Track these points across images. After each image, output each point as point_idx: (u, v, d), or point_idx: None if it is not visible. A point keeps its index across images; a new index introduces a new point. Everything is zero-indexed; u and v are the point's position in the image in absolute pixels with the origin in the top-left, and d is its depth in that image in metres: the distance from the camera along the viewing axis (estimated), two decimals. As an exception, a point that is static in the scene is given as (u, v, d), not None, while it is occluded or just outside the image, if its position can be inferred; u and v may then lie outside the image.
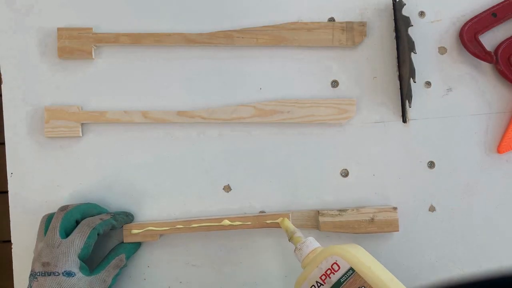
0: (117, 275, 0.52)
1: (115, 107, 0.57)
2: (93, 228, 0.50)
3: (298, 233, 0.50)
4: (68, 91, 0.57)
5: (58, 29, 0.56)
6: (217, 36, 0.56)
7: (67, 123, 0.56)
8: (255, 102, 0.56)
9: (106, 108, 0.57)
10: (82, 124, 0.56)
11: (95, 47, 0.57)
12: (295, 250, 0.49)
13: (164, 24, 0.57)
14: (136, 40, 0.56)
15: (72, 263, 0.48)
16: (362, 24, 0.56)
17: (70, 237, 0.49)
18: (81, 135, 0.56)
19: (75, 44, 0.56)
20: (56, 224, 0.50)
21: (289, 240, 0.51)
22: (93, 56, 0.57)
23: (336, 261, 0.45)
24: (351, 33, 0.56)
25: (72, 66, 0.57)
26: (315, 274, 0.45)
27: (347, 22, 0.56)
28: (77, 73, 0.57)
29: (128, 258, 0.53)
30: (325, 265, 0.45)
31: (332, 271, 0.45)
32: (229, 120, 0.56)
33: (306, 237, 0.49)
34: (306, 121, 0.56)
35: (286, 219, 0.53)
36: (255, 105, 0.56)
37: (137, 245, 0.55)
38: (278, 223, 0.54)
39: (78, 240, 0.49)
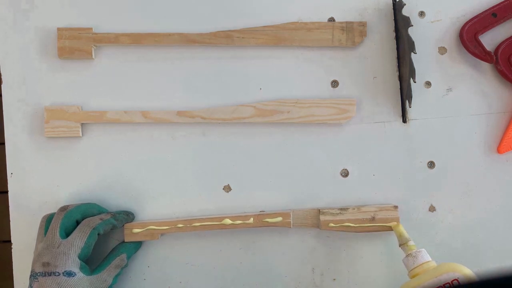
0: (118, 274, 0.52)
1: (115, 107, 0.57)
2: (93, 228, 0.50)
3: (412, 241, 0.52)
4: (68, 91, 0.57)
5: (58, 29, 0.56)
6: (217, 36, 0.56)
7: (67, 123, 0.56)
8: (255, 102, 0.56)
9: (106, 108, 0.57)
10: (82, 124, 0.56)
11: (95, 47, 0.57)
12: (407, 256, 0.51)
13: (164, 24, 0.57)
14: (136, 40, 0.56)
15: (73, 263, 0.48)
16: (362, 24, 0.56)
17: (70, 237, 0.49)
18: (81, 135, 0.56)
19: (75, 44, 0.56)
20: (56, 224, 0.50)
21: (400, 245, 0.52)
22: (93, 56, 0.57)
23: (457, 278, 0.47)
24: (351, 33, 0.56)
25: (72, 66, 0.57)
26: (432, 284, 0.47)
27: (347, 22, 0.56)
28: (77, 73, 0.57)
29: (129, 257, 0.53)
30: (445, 278, 0.47)
31: (452, 286, 0.46)
32: (229, 120, 0.56)
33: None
34: (306, 121, 0.56)
35: (400, 224, 0.54)
36: (255, 105, 0.56)
37: (138, 244, 0.55)
38: (279, 222, 0.54)
39: (78, 240, 0.49)
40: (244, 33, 0.56)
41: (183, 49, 0.57)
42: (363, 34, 0.56)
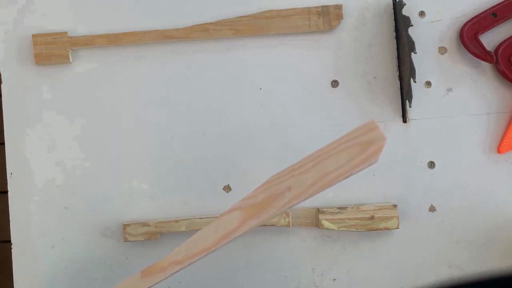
0: None
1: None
2: None
3: None
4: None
5: (33, 35, 0.56)
6: (193, 30, 0.56)
7: None
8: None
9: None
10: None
11: (71, 51, 0.57)
12: None
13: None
14: (113, 40, 0.56)
15: None
16: (338, 7, 0.56)
17: None
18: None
19: (51, 50, 0.56)
20: None
21: None
22: (71, 60, 0.57)
23: None
24: (327, 16, 0.56)
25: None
26: None
27: (322, 6, 0.56)
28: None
29: None
30: None
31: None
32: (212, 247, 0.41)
33: None
34: (319, 188, 0.43)
35: None
36: (240, 205, 0.43)
37: None
38: (278, 221, 0.54)
39: None
40: (219, 25, 0.56)
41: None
42: (339, 17, 0.56)
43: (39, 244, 0.56)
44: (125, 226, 0.55)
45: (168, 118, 0.57)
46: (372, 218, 0.54)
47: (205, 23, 0.56)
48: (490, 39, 0.57)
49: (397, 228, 0.54)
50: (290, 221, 0.55)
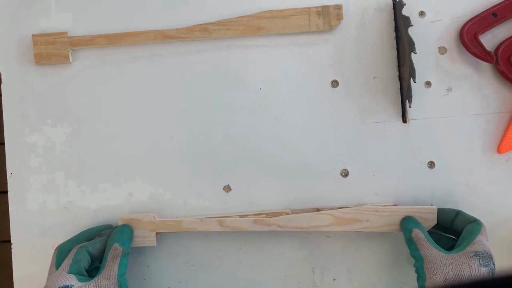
0: (122, 264, 0.50)
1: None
2: (81, 247, 0.50)
3: None
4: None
5: (33, 35, 0.56)
6: (193, 30, 0.56)
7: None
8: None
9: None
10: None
11: (71, 51, 0.57)
12: None
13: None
14: (113, 40, 0.56)
15: (65, 279, 0.48)
16: (338, 7, 0.56)
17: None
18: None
19: (51, 50, 0.56)
20: (52, 261, 0.51)
21: None
22: (70, 60, 0.57)
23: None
24: (328, 16, 0.56)
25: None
26: None
27: (322, 6, 0.56)
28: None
29: (123, 244, 0.52)
30: None
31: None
32: (306, 228, 0.54)
33: None
34: (385, 230, 0.53)
35: None
36: (333, 213, 0.54)
37: (125, 228, 0.53)
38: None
39: (66, 260, 0.50)
40: (219, 25, 0.56)
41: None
42: (339, 17, 0.56)
43: (39, 244, 0.56)
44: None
45: (168, 118, 0.57)
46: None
47: (205, 23, 0.56)
48: (490, 39, 0.57)
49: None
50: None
